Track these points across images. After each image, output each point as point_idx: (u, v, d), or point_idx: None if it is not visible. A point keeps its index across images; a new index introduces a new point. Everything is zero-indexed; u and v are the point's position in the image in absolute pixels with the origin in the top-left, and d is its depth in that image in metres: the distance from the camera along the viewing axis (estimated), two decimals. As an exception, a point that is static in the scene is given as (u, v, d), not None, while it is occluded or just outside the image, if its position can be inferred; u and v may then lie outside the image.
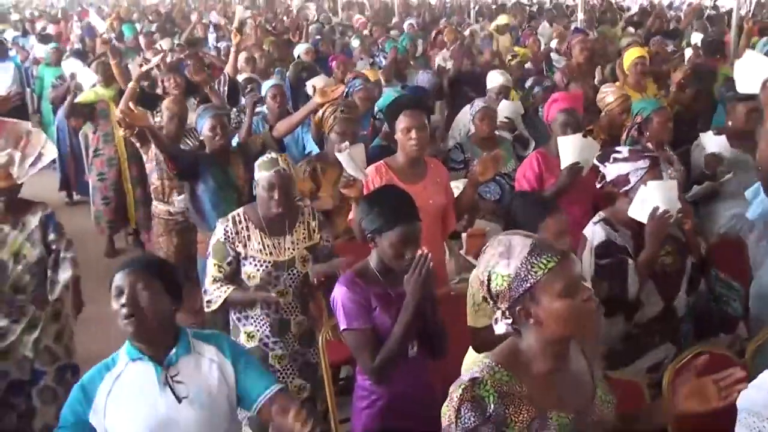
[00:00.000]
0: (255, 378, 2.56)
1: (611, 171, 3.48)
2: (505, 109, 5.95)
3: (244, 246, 3.48)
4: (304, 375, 3.63)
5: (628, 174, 3.41)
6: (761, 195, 4.02)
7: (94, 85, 6.92)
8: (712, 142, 4.83)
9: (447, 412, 1.96)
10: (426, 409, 2.94)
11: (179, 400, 2.40)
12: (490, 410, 1.91)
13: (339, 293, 2.85)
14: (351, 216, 3.81)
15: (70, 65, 7.85)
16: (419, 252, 2.69)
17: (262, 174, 3.46)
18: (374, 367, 2.79)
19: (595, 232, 3.41)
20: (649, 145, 4.45)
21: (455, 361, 3.16)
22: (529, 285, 1.93)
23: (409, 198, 2.91)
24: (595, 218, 3.49)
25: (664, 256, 3.41)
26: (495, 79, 6.41)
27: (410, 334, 2.78)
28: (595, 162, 3.63)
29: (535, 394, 1.96)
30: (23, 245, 3.80)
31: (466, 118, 5.96)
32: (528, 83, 6.93)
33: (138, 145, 5.19)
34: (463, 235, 4.48)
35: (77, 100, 6.83)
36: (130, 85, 5.72)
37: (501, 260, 1.97)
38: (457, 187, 4.22)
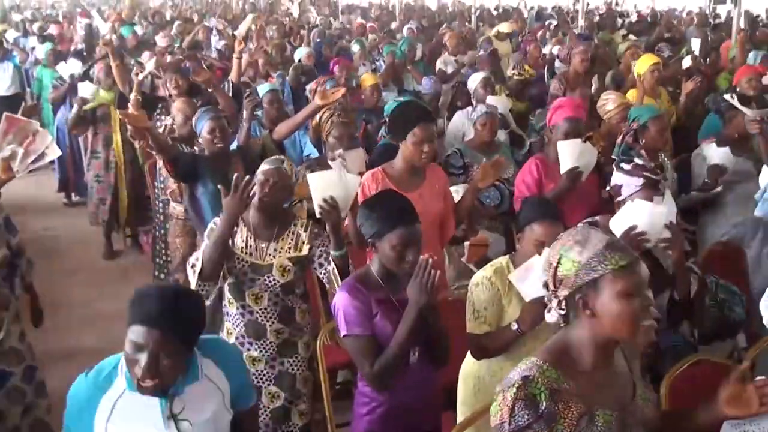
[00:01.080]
0: (243, 393, 2.51)
1: (614, 178, 3.49)
2: (495, 101, 5.95)
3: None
4: (279, 384, 3.56)
5: (621, 186, 3.43)
6: None
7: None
8: (715, 153, 4.83)
9: (498, 411, 1.99)
10: (427, 415, 2.97)
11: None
12: (542, 408, 1.94)
13: (340, 299, 2.84)
14: (346, 222, 3.78)
15: (70, 66, 7.85)
16: (422, 258, 2.69)
17: (262, 167, 3.51)
18: (375, 373, 2.77)
19: None
20: (644, 152, 4.46)
21: (453, 367, 3.16)
22: (596, 275, 1.96)
23: (408, 201, 2.91)
24: (586, 220, 3.48)
25: None
26: (476, 77, 6.48)
27: (412, 340, 2.78)
28: (613, 166, 3.64)
29: (582, 391, 1.99)
30: None
31: (460, 122, 5.96)
32: (533, 91, 6.94)
33: (154, 151, 5.16)
34: (466, 243, 4.48)
35: (85, 108, 6.82)
36: (132, 95, 5.71)
37: (576, 246, 2.01)
38: (456, 191, 4.22)
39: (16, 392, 3.87)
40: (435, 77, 8.17)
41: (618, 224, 3.28)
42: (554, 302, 2.05)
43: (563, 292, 2.02)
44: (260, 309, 3.48)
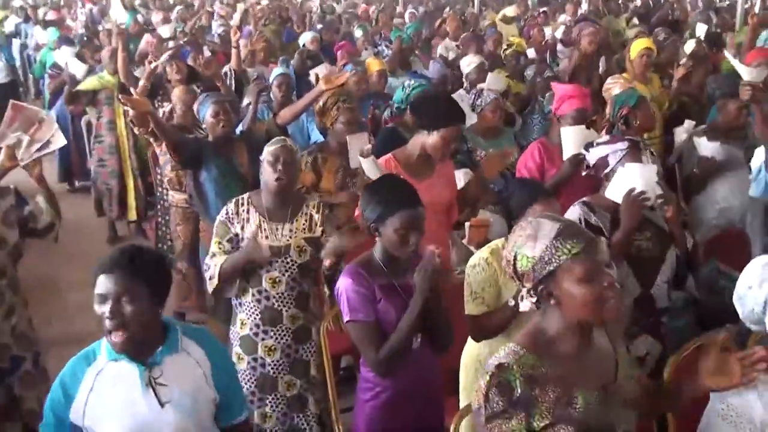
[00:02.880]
0: (234, 402, 2.53)
1: (593, 155, 3.48)
2: (492, 82, 5.92)
3: (242, 228, 3.46)
4: (295, 371, 3.58)
5: (607, 156, 3.42)
6: (763, 172, 4.01)
7: (91, 72, 6.90)
8: (705, 146, 4.77)
9: (475, 397, 2.02)
10: (430, 400, 2.97)
11: (162, 404, 2.32)
12: (517, 393, 1.96)
13: (343, 284, 2.84)
14: (358, 212, 3.79)
15: (63, 53, 7.84)
16: (429, 248, 2.69)
17: (268, 149, 3.49)
18: (379, 359, 2.79)
19: (570, 212, 3.41)
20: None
21: (456, 352, 3.16)
22: (552, 268, 1.98)
23: (409, 184, 2.92)
24: (577, 201, 3.49)
25: (642, 240, 3.39)
26: (470, 61, 6.47)
27: (417, 327, 2.78)
28: (582, 150, 3.61)
29: (560, 373, 2.01)
30: (2, 230, 3.78)
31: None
32: (528, 71, 6.89)
33: (152, 139, 5.16)
34: (467, 224, 4.47)
35: (81, 87, 6.81)
36: (141, 83, 5.69)
37: (528, 242, 2.02)
38: (459, 178, 4.21)
39: (29, 377, 3.90)
40: (441, 61, 8.13)
41: (615, 191, 3.31)
42: (524, 292, 2.07)
43: (527, 285, 2.05)
44: (277, 294, 3.48)
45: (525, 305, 2.08)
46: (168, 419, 2.32)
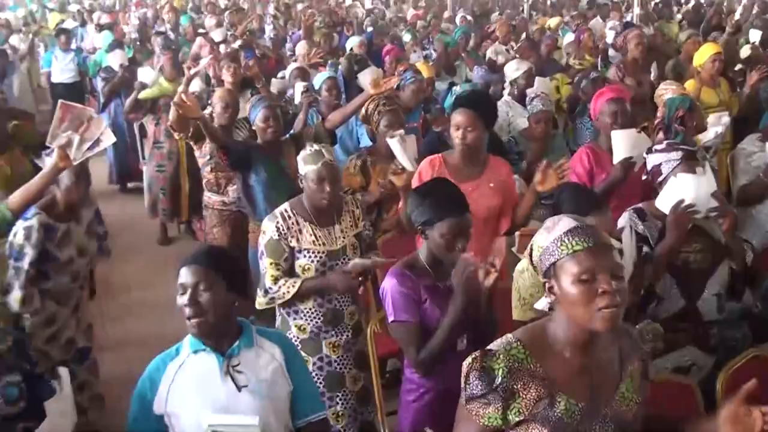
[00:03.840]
0: (309, 396, 2.58)
1: (650, 162, 3.45)
2: (540, 87, 5.88)
3: (297, 240, 3.46)
4: (359, 364, 3.62)
5: (660, 165, 3.38)
6: None
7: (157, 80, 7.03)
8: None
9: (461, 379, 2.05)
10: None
11: (239, 388, 2.42)
12: (497, 382, 1.97)
13: (389, 285, 2.86)
14: (400, 205, 3.81)
15: (115, 57, 7.98)
16: (464, 255, 2.70)
17: (309, 167, 3.45)
18: (421, 359, 2.80)
19: (621, 218, 3.37)
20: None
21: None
22: (553, 260, 1.98)
23: (458, 190, 2.92)
24: (630, 207, 3.44)
25: (691, 252, 3.33)
26: (517, 66, 6.41)
27: (458, 328, 2.78)
28: (633, 154, 3.58)
29: (550, 375, 2.00)
30: (84, 239, 3.89)
31: (503, 111, 5.89)
32: (576, 78, 6.84)
33: (192, 142, 5.26)
34: (516, 233, 4.45)
35: (141, 96, 6.94)
36: (181, 88, 5.78)
37: (544, 233, 2.04)
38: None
39: (95, 365, 4.12)
40: (486, 66, 8.11)
41: (665, 201, 3.25)
42: (547, 288, 2.06)
43: (540, 277, 2.06)
44: (339, 295, 3.52)
45: (542, 303, 2.08)
46: (246, 403, 2.41)
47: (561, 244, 1.96)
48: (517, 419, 1.99)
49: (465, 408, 2.03)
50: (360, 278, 3.40)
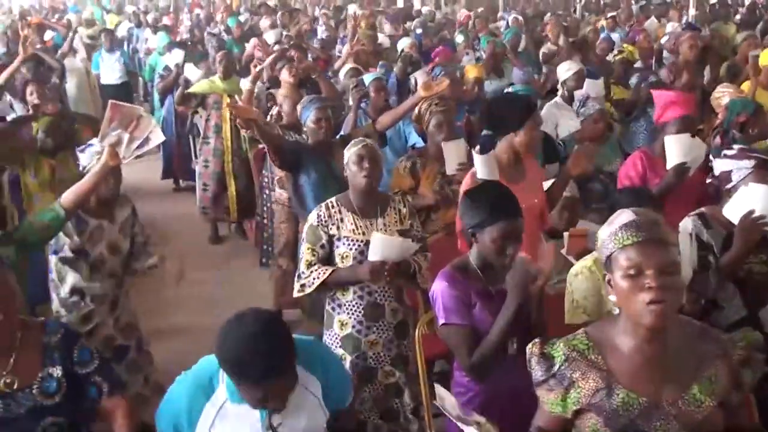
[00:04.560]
0: (340, 391, 2.55)
1: (718, 166, 3.37)
2: (591, 89, 5.80)
3: (338, 228, 3.52)
4: (395, 364, 3.64)
5: (731, 171, 3.30)
6: None
7: (208, 77, 7.13)
8: None
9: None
10: (524, 407, 2.93)
11: (275, 430, 2.34)
12: (555, 369, 2.06)
13: (439, 287, 2.85)
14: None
15: (174, 56, 8.11)
16: (520, 255, 2.67)
17: (350, 150, 3.56)
18: (472, 363, 2.78)
19: (684, 223, 3.31)
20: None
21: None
22: (608, 253, 2.01)
23: (511, 194, 2.90)
24: (694, 212, 3.37)
25: (756, 263, 3.24)
26: (569, 67, 6.30)
27: (510, 332, 2.76)
28: (710, 157, 3.50)
29: (611, 367, 2.03)
30: (118, 238, 3.95)
31: (550, 113, 5.84)
32: (633, 80, 6.74)
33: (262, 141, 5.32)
34: (565, 234, 4.41)
35: (192, 89, 7.04)
36: (247, 86, 5.85)
37: (606, 225, 2.06)
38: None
39: (134, 363, 4.12)
40: (527, 67, 8.04)
41: (734, 211, 3.17)
42: (606, 280, 2.08)
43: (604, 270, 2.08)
44: (378, 288, 3.54)
45: (612, 296, 2.07)
46: None
47: (615, 238, 1.99)
48: (575, 408, 2.04)
49: (536, 393, 2.12)
50: (387, 268, 3.37)
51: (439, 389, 2.45)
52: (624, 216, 2.02)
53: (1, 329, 2.41)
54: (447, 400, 2.41)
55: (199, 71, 7.27)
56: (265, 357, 2.12)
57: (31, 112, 5.41)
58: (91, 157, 3.98)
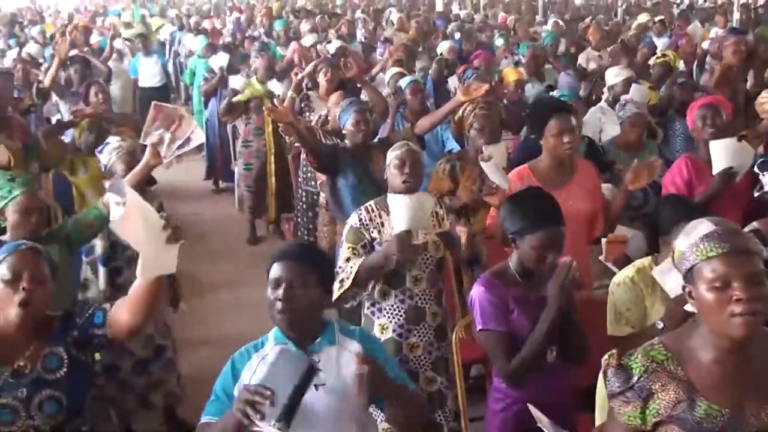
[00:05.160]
0: (394, 374, 2.54)
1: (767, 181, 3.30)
2: (635, 94, 5.73)
3: (379, 232, 3.51)
4: (436, 368, 3.62)
5: None
6: None
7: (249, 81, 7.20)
8: None
9: (601, 376, 2.10)
10: (562, 415, 2.91)
11: (316, 387, 2.41)
12: (634, 380, 1.98)
13: (477, 293, 2.85)
14: (489, 221, 3.79)
15: (219, 59, 8.20)
16: (564, 259, 2.65)
17: (392, 154, 3.56)
18: (510, 370, 2.77)
19: None
20: None
21: (592, 367, 3.08)
22: (689, 266, 1.96)
23: (554, 201, 2.88)
24: (747, 227, 3.30)
25: None
26: (618, 73, 6.24)
27: (549, 339, 2.74)
28: (755, 170, 3.43)
29: (692, 378, 1.98)
30: None
31: (595, 118, 5.80)
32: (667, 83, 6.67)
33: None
34: (603, 240, 4.37)
35: (235, 99, 7.10)
36: (289, 94, 5.88)
37: (683, 237, 2.01)
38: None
39: (170, 362, 4.17)
40: (573, 73, 7.98)
41: None
42: (687, 292, 2.03)
43: (682, 281, 2.04)
44: (420, 291, 3.54)
45: (690, 306, 2.04)
46: (322, 401, 2.41)
47: (696, 250, 1.94)
48: (654, 420, 1.99)
49: (609, 405, 2.07)
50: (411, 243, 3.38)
51: (534, 411, 2.41)
52: (703, 227, 1.97)
53: (27, 317, 2.48)
54: (543, 420, 2.37)
55: (242, 79, 7.34)
56: (290, 244, 2.44)
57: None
58: (109, 154, 4.06)
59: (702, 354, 2.00)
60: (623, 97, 5.58)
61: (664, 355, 2.00)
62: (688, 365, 1.99)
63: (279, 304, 2.39)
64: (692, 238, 1.97)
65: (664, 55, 7.51)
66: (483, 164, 3.84)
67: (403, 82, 6.10)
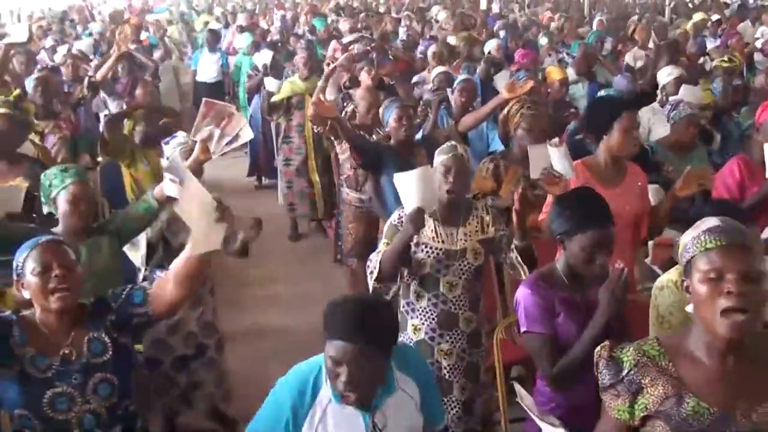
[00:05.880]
0: (433, 410, 2.54)
1: None
2: (688, 95, 5.63)
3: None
4: (468, 375, 3.59)
5: None
6: None
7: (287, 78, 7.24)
8: None
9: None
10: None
11: None
12: (624, 373, 2.02)
13: (522, 294, 2.82)
14: (542, 216, 3.75)
15: (263, 56, 8.26)
16: (616, 265, 2.61)
17: (439, 158, 3.51)
18: (554, 373, 2.74)
19: None
20: None
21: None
22: (688, 257, 1.97)
23: (604, 201, 2.83)
24: None
25: None
26: (670, 72, 6.14)
27: (597, 344, 2.70)
28: None
29: (682, 375, 1.98)
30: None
31: (645, 117, 5.71)
32: (715, 84, 6.52)
33: (332, 137, 5.37)
34: (650, 243, 4.30)
35: (276, 98, 7.15)
36: (320, 83, 5.91)
37: (689, 231, 2.03)
38: (650, 194, 4.06)
39: (212, 362, 4.17)
40: (629, 74, 7.87)
41: None
42: (684, 286, 2.03)
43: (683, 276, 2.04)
44: (453, 297, 3.50)
45: (690, 306, 2.03)
46: None
47: (697, 242, 1.96)
48: (642, 414, 2.01)
49: (602, 398, 2.09)
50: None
51: (519, 389, 2.43)
52: (709, 222, 1.98)
53: (66, 302, 2.54)
54: (526, 398, 2.39)
55: (276, 82, 7.39)
56: (355, 315, 2.22)
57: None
58: (174, 148, 4.11)
59: (695, 352, 2.01)
60: (672, 98, 5.47)
61: (657, 351, 2.02)
62: (681, 362, 2.00)
63: (341, 386, 2.24)
64: (697, 231, 1.98)
65: (731, 60, 7.31)
66: (551, 149, 3.77)
67: (456, 81, 6.09)
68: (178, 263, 2.59)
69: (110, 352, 2.60)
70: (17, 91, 5.84)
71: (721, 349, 1.95)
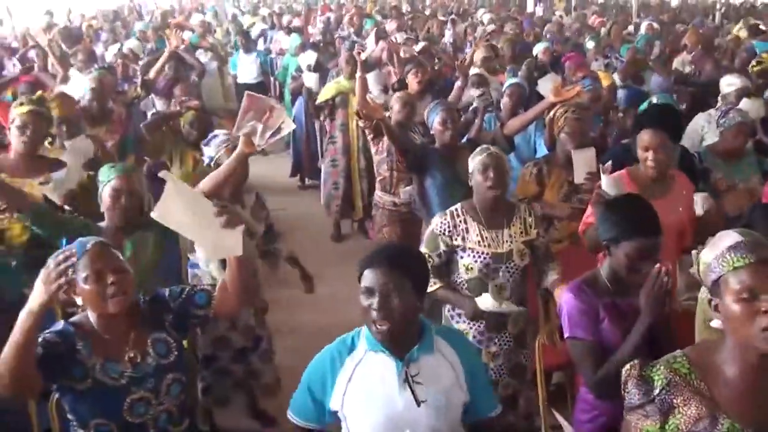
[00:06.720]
0: (484, 396, 2.54)
1: None
2: (746, 106, 5.51)
3: (463, 239, 3.51)
4: (513, 375, 3.61)
5: None
6: None
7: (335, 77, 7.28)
8: None
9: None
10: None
11: (418, 403, 2.35)
12: (655, 393, 1.93)
13: (566, 300, 2.80)
14: (582, 227, 3.71)
15: (307, 57, 8.32)
16: (656, 267, 2.58)
17: (476, 158, 3.54)
18: (598, 380, 2.71)
19: None
20: None
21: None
22: (715, 277, 1.92)
23: (652, 209, 2.80)
24: None
25: None
26: (732, 82, 6.01)
27: (640, 350, 2.67)
28: None
29: (714, 394, 1.92)
30: (252, 222, 4.08)
31: (699, 125, 5.62)
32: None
33: (371, 137, 5.39)
34: (694, 252, 4.23)
35: (320, 98, 7.19)
36: (358, 75, 5.92)
37: (709, 248, 1.98)
38: (696, 202, 3.99)
39: (266, 354, 4.26)
40: (667, 76, 7.77)
41: None
42: (713, 305, 1.98)
43: (708, 295, 1.99)
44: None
45: (716, 321, 1.99)
46: (422, 418, 2.36)
47: (723, 260, 1.91)
48: None
49: (626, 418, 2.01)
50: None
51: (559, 418, 2.38)
52: (729, 238, 1.93)
53: (124, 306, 2.56)
54: (567, 428, 2.34)
55: (315, 75, 7.42)
56: (386, 247, 2.55)
57: (176, 108, 5.70)
58: (216, 147, 4.16)
59: (727, 369, 1.95)
60: (719, 106, 5.38)
61: (687, 369, 1.95)
62: (712, 380, 1.94)
63: (374, 314, 2.31)
64: (718, 249, 1.93)
65: (760, 62, 7.19)
66: (604, 177, 3.73)
67: (505, 84, 6.05)
68: (227, 275, 2.67)
69: (175, 352, 2.66)
70: (40, 92, 5.89)
71: (756, 364, 1.90)
